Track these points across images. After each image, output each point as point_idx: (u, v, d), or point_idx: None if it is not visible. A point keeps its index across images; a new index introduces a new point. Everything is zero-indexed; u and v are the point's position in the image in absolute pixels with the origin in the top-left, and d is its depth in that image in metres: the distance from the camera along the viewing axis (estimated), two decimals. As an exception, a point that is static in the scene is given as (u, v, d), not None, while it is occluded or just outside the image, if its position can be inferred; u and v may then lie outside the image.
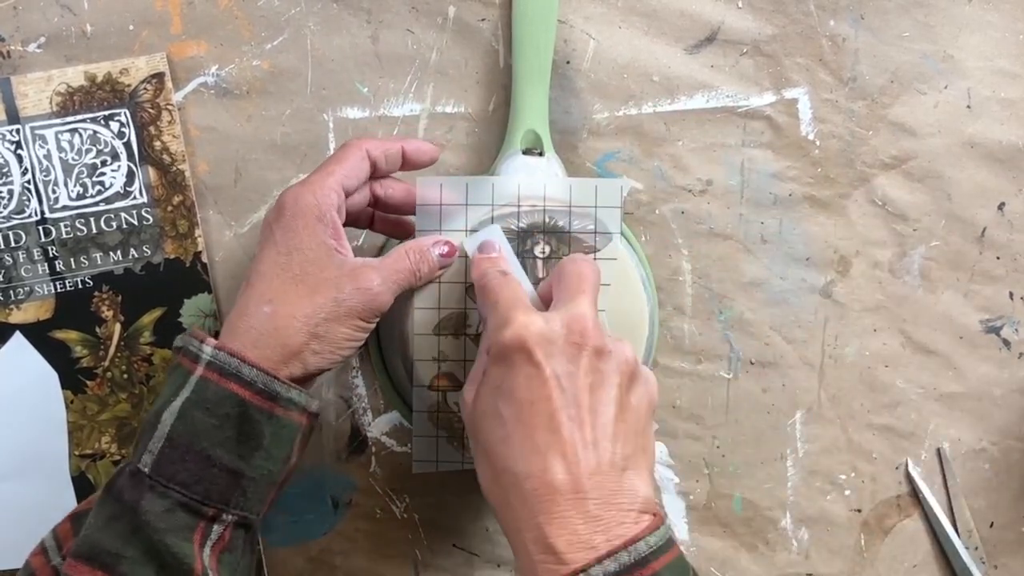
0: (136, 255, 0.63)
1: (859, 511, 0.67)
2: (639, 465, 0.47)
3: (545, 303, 0.53)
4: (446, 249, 0.56)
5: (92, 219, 0.62)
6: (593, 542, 0.44)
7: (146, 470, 0.48)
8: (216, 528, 0.48)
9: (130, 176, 0.62)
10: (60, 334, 0.63)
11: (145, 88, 0.62)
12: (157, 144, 0.62)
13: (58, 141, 0.62)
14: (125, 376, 0.63)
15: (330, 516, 0.66)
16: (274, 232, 0.52)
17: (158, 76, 0.62)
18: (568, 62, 0.64)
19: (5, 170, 0.61)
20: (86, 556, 0.47)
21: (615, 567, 0.43)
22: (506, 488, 0.46)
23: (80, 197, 0.62)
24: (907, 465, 0.68)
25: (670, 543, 0.46)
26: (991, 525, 0.68)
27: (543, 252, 0.57)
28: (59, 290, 0.62)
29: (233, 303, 0.63)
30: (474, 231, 0.57)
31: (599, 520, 0.44)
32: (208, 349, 0.49)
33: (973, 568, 0.67)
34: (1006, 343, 0.68)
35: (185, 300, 0.63)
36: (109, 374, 0.63)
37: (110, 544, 0.47)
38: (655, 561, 0.44)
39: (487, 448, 0.47)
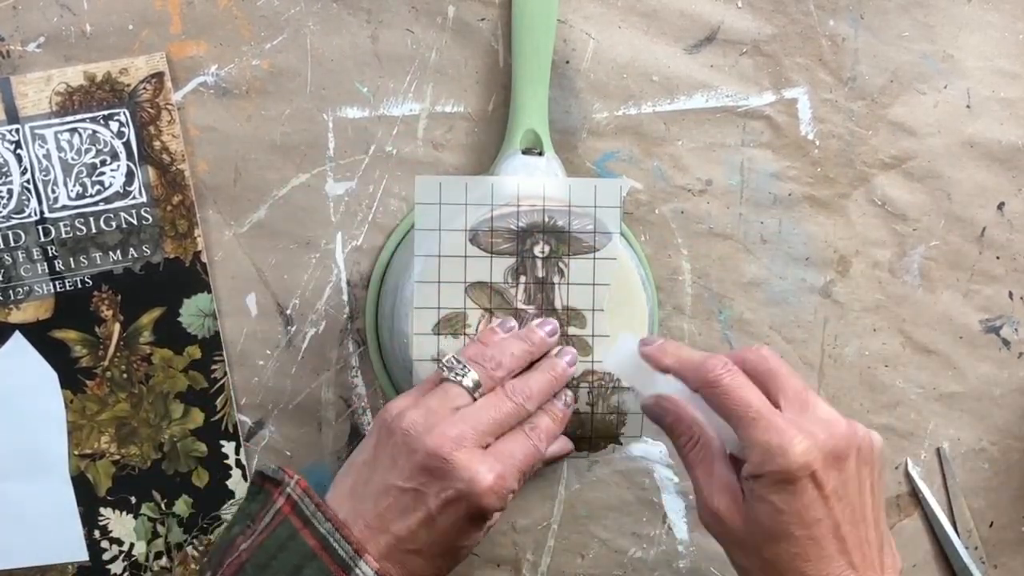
0: (136, 255, 0.63)
1: (859, 511, 0.67)
2: (889, 536, 0.52)
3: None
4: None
5: (92, 219, 0.62)
6: None
7: None
8: None
9: (130, 176, 0.62)
10: (60, 334, 0.63)
11: (145, 88, 0.62)
12: (157, 144, 0.62)
13: (57, 141, 0.62)
14: (125, 376, 0.63)
15: (330, 516, 0.65)
16: (454, 514, 0.51)
17: (158, 76, 0.62)
18: (568, 62, 0.64)
19: (4, 170, 0.61)
20: None
21: None
22: None
23: (80, 197, 0.62)
24: (907, 465, 0.68)
25: None
26: (991, 525, 0.68)
27: (543, 252, 0.57)
28: (59, 290, 0.62)
29: (233, 304, 0.63)
30: (474, 231, 0.57)
31: None
32: (370, 572, 0.49)
33: (973, 568, 0.67)
34: (1006, 343, 0.68)
35: (185, 300, 0.63)
36: (109, 374, 0.63)
37: None
38: None
39: (774, 564, 0.49)
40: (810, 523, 0.48)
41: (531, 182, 0.58)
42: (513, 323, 0.57)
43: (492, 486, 0.50)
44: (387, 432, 0.52)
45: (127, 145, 0.62)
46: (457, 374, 0.53)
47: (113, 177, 0.62)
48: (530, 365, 0.56)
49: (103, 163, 0.62)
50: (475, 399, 0.53)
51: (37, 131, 0.61)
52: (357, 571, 0.49)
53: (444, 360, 0.54)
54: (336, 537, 0.50)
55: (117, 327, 0.63)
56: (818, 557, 0.48)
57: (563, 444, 0.58)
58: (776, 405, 0.50)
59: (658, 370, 0.55)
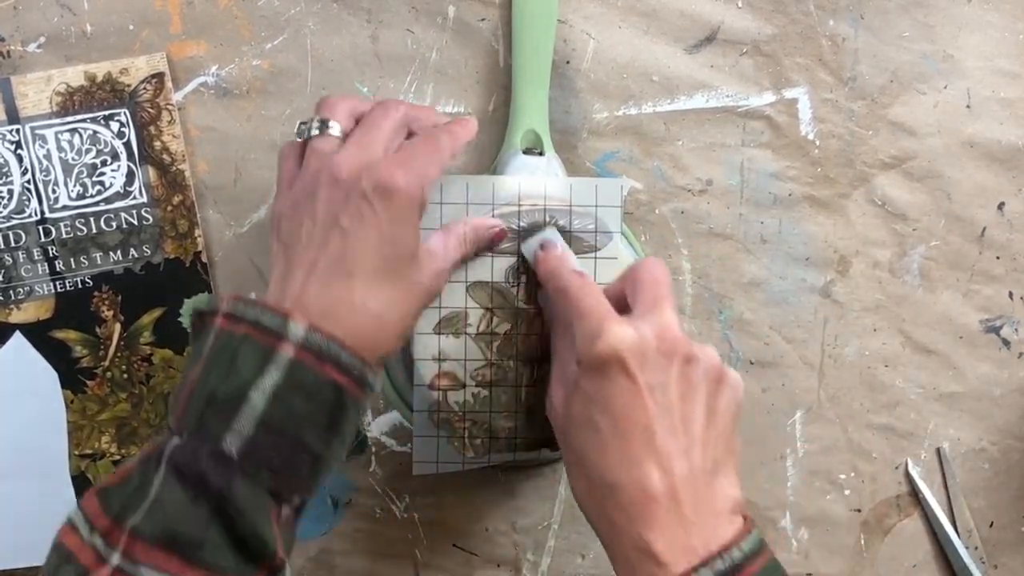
0: (136, 255, 0.63)
1: (859, 511, 0.67)
2: (728, 468, 0.48)
3: (613, 297, 0.52)
4: (498, 230, 0.56)
5: (92, 219, 0.62)
6: (691, 545, 0.45)
7: (234, 453, 0.45)
8: (286, 509, 0.47)
9: (130, 176, 0.62)
10: (60, 334, 0.63)
11: (145, 88, 0.62)
12: (157, 144, 0.62)
13: (58, 141, 0.62)
14: (125, 376, 0.63)
15: (329, 516, 0.65)
16: (379, 215, 0.48)
17: (158, 76, 0.62)
18: (568, 62, 0.64)
19: (5, 170, 0.61)
20: (162, 541, 0.44)
21: (711, 573, 0.44)
22: (602, 497, 0.47)
23: (80, 197, 0.62)
24: (907, 465, 0.68)
25: (762, 546, 0.46)
26: (991, 525, 0.68)
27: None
28: (59, 290, 0.62)
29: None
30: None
31: (695, 524, 0.46)
32: (300, 329, 0.46)
33: (973, 568, 0.67)
34: (1006, 343, 0.68)
35: (185, 300, 0.63)
36: (109, 374, 0.63)
37: (189, 529, 0.44)
38: (750, 566, 0.45)
39: (582, 458, 0.48)
40: (616, 413, 0.46)
41: (532, 182, 0.58)
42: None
43: (391, 166, 0.49)
44: (281, 217, 0.51)
45: (127, 145, 0.62)
46: (310, 129, 0.51)
47: (113, 177, 0.62)
48: None
49: (103, 163, 0.62)
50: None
51: (37, 131, 0.61)
52: (288, 334, 0.46)
53: (296, 129, 0.52)
54: (264, 313, 0.47)
55: (117, 327, 0.63)
56: (622, 453, 0.46)
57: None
58: (632, 307, 0.50)
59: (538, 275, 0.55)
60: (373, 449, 0.65)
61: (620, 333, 0.47)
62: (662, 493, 0.46)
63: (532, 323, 0.57)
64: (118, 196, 0.62)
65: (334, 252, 0.49)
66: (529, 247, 0.56)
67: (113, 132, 0.62)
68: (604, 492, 0.47)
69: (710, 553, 0.45)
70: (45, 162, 0.62)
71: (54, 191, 0.62)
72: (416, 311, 0.52)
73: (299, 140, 0.53)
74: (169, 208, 0.63)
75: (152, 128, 0.62)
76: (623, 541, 0.46)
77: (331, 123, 0.52)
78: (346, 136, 0.52)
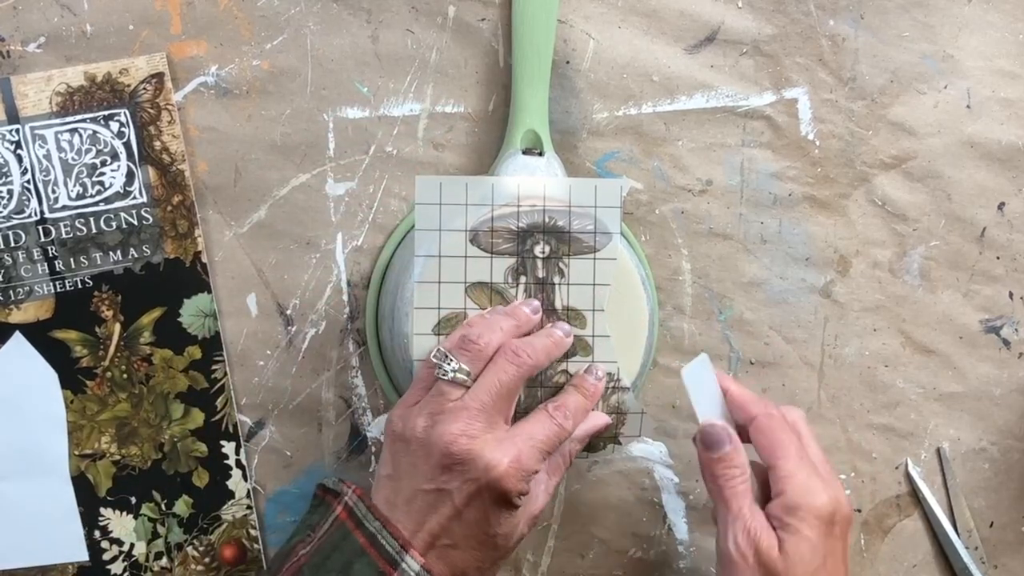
0: (136, 255, 0.63)
1: (859, 511, 0.67)
2: None
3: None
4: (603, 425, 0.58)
5: (92, 219, 0.62)
6: None
7: None
8: None
9: (130, 176, 0.62)
10: (60, 334, 0.63)
11: (145, 88, 0.62)
12: (157, 144, 0.62)
13: (58, 141, 0.62)
14: (125, 376, 0.63)
15: (330, 516, 0.65)
16: (486, 506, 0.52)
17: (158, 76, 0.62)
18: (568, 62, 0.64)
19: (5, 170, 0.61)
20: None
21: None
22: None
23: (80, 197, 0.62)
24: (907, 465, 0.68)
25: None
26: (991, 525, 0.68)
27: (543, 252, 0.57)
28: (59, 290, 0.62)
29: (233, 304, 0.63)
30: (474, 231, 0.57)
31: None
32: (415, 566, 0.51)
33: (973, 568, 0.67)
34: (1006, 343, 0.68)
35: (185, 300, 0.63)
36: (109, 374, 0.63)
37: None
38: None
39: None
40: (829, 568, 0.52)
41: (531, 182, 0.58)
42: (536, 304, 0.57)
43: (507, 470, 0.51)
44: (402, 442, 0.53)
45: (127, 145, 0.62)
46: (446, 371, 0.54)
47: (113, 177, 0.62)
48: None
49: (103, 163, 0.62)
50: (468, 387, 0.53)
51: (37, 131, 0.61)
52: (403, 565, 0.50)
53: (432, 355, 0.54)
54: (383, 534, 0.51)
55: (117, 327, 0.63)
56: None
57: (597, 419, 0.58)
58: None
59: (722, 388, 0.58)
60: (373, 449, 0.65)
61: (833, 498, 0.54)
62: None
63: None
64: (118, 196, 0.62)
65: (443, 520, 0.52)
66: (694, 376, 0.58)
67: (113, 132, 0.62)
68: None
69: None
70: (45, 162, 0.62)
71: (54, 191, 0.62)
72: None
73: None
74: (169, 208, 0.63)
75: (152, 128, 0.62)
76: None
77: (461, 368, 0.54)
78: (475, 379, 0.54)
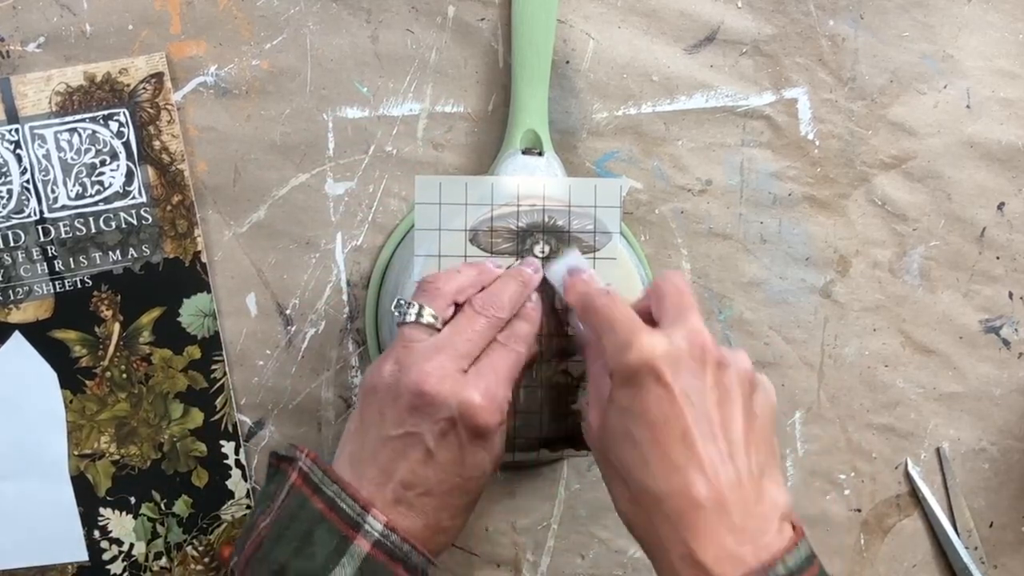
0: (135, 255, 0.63)
1: (859, 511, 0.67)
2: (774, 472, 0.47)
3: (639, 311, 0.52)
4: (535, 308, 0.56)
5: (91, 219, 0.62)
6: (740, 554, 0.44)
7: None
8: None
9: (129, 176, 0.62)
10: (59, 334, 0.63)
11: (144, 88, 0.62)
12: (156, 144, 0.62)
13: (57, 141, 0.62)
14: (124, 376, 0.63)
15: (329, 516, 0.65)
16: (463, 445, 0.51)
17: (157, 76, 0.62)
18: (568, 62, 0.64)
19: (4, 170, 0.61)
20: None
21: None
22: (647, 508, 0.46)
23: (79, 197, 0.62)
24: (907, 465, 0.68)
25: (811, 558, 0.46)
26: (991, 525, 0.68)
27: (543, 252, 0.57)
28: (58, 290, 0.62)
29: (233, 304, 0.63)
30: (474, 231, 0.57)
31: (744, 531, 0.44)
32: (378, 526, 0.49)
33: (973, 568, 0.67)
34: (1006, 343, 0.68)
35: (184, 300, 0.63)
36: (108, 374, 0.63)
37: None
38: None
39: (622, 470, 0.48)
40: (653, 422, 0.46)
41: (531, 182, 0.58)
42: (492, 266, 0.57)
43: (482, 403, 0.50)
44: (369, 390, 0.52)
45: (127, 145, 0.62)
46: (408, 314, 0.53)
47: (113, 177, 0.62)
48: None
49: (103, 163, 0.62)
50: (436, 330, 0.53)
51: (37, 131, 0.61)
52: (366, 527, 0.49)
53: (392, 306, 0.54)
54: (342, 497, 0.50)
55: (117, 327, 0.63)
56: (663, 462, 0.46)
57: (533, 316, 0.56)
58: (659, 319, 0.50)
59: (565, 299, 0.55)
60: (373, 449, 0.65)
61: (651, 341, 0.47)
62: (708, 499, 0.45)
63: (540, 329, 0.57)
64: (117, 196, 0.62)
65: (414, 466, 0.50)
66: (555, 274, 0.56)
67: (112, 132, 0.62)
68: (648, 504, 0.46)
69: (761, 563, 0.44)
70: (44, 162, 0.62)
71: (53, 191, 0.62)
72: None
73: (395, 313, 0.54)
74: (168, 208, 0.63)
75: (151, 128, 0.62)
76: (670, 552, 0.45)
77: (425, 310, 0.53)
78: (443, 323, 0.53)
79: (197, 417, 0.64)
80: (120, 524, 0.64)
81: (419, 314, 0.53)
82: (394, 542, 0.49)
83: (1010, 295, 0.68)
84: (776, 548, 0.44)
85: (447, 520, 0.51)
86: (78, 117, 0.62)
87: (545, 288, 0.57)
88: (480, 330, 0.53)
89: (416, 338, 0.52)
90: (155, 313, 0.63)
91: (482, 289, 0.55)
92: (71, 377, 0.63)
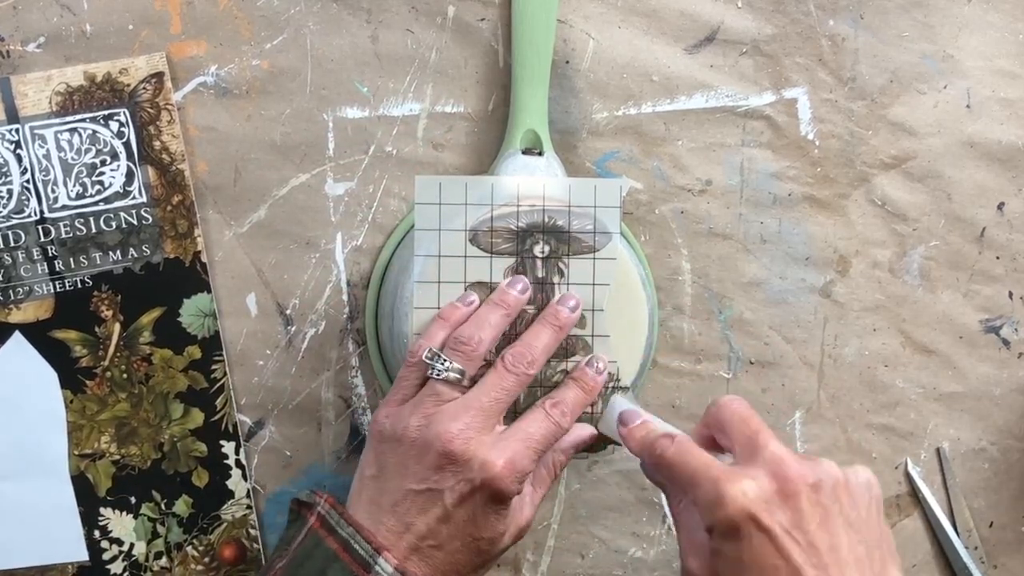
0: (135, 255, 0.63)
1: (859, 511, 0.67)
2: (888, 566, 0.47)
3: (701, 442, 0.52)
4: (588, 436, 0.56)
5: (91, 219, 0.62)
6: None
7: None
8: None
9: (129, 176, 0.62)
10: (59, 334, 0.63)
11: (144, 88, 0.62)
12: (156, 144, 0.62)
13: (57, 141, 0.62)
14: (124, 376, 0.63)
15: (330, 516, 0.65)
16: (477, 507, 0.51)
17: (157, 76, 0.62)
18: (568, 62, 0.64)
19: (4, 170, 0.61)
20: None
21: None
22: None
23: (79, 197, 0.62)
24: (907, 465, 0.68)
25: None
26: (991, 525, 0.68)
27: (543, 252, 0.57)
28: (58, 290, 0.62)
29: (233, 304, 0.63)
30: (474, 231, 0.57)
31: None
32: (388, 568, 0.50)
33: (973, 568, 0.67)
34: (1006, 343, 0.68)
35: (184, 300, 0.63)
36: (108, 374, 0.63)
37: None
38: None
39: None
40: (763, 569, 0.45)
41: (531, 182, 0.58)
42: (474, 297, 0.57)
43: (502, 471, 0.51)
44: (392, 442, 0.53)
45: (127, 145, 0.62)
46: (439, 371, 0.53)
47: (113, 177, 0.62)
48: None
49: (103, 163, 0.62)
50: (465, 387, 0.54)
51: (37, 131, 0.61)
52: (377, 568, 0.50)
53: (424, 355, 0.54)
54: (356, 539, 0.51)
55: (117, 327, 0.63)
56: None
57: (582, 431, 0.57)
58: (736, 453, 0.49)
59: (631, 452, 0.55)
60: (373, 449, 0.65)
61: (741, 490, 0.46)
62: None
63: (531, 322, 0.57)
64: (117, 196, 0.62)
65: (431, 521, 0.52)
66: (609, 425, 0.56)
67: (113, 132, 0.62)
68: None
69: None
70: (44, 162, 0.62)
71: (53, 191, 0.62)
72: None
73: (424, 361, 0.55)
74: (169, 208, 0.63)
75: (152, 128, 0.62)
76: None
77: (454, 367, 0.53)
78: (471, 381, 0.54)
79: (197, 417, 0.64)
80: (120, 524, 0.64)
81: (449, 370, 0.53)
82: None
83: (1010, 295, 0.68)
84: None
85: (459, 569, 0.52)
86: (78, 117, 0.62)
87: (544, 289, 0.57)
88: (508, 388, 0.54)
89: (444, 395, 0.53)
90: (155, 313, 0.63)
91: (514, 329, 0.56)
92: (71, 377, 0.63)
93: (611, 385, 0.58)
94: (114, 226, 0.62)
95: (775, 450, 0.47)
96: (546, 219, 0.57)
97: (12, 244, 0.62)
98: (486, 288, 0.57)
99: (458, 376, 0.53)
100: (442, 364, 0.53)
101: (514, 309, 0.56)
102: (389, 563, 0.50)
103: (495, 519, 0.52)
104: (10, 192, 0.62)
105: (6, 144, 0.61)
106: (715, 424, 0.51)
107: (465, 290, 0.57)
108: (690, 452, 0.49)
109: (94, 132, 0.62)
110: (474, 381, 0.54)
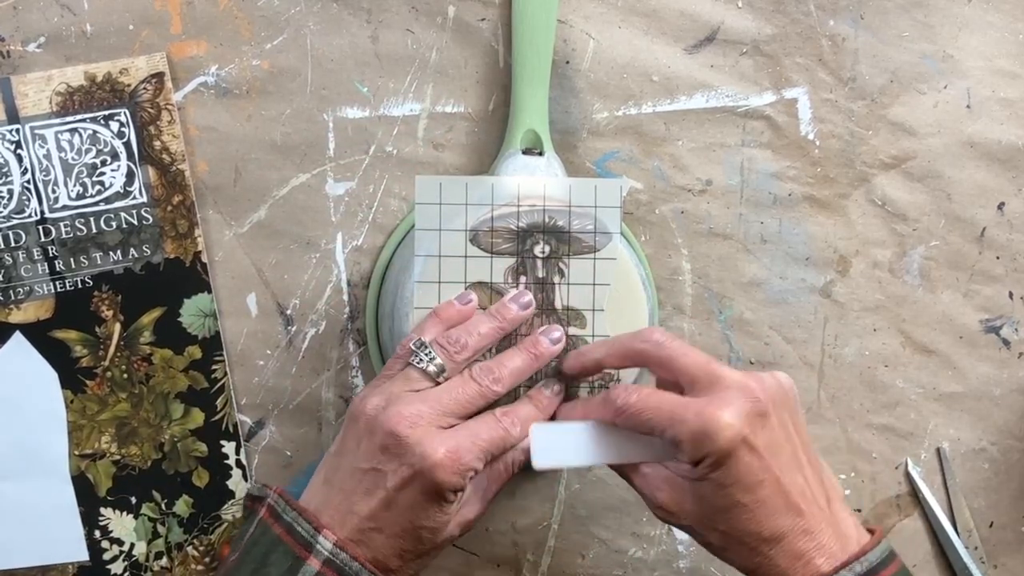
0: (136, 255, 0.63)
1: (859, 511, 0.67)
2: (835, 490, 0.53)
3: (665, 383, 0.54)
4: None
5: (92, 219, 0.62)
6: (835, 553, 0.50)
7: None
8: None
9: (130, 176, 0.62)
10: (60, 334, 0.63)
11: (145, 88, 0.62)
12: (157, 144, 0.62)
13: (58, 141, 0.62)
14: (125, 376, 0.63)
15: (330, 516, 0.65)
16: (419, 493, 0.51)
17: (158, 76, 0.62)
18: (568, 62, 0.64)
19: (5, 170, 0.61)
20: None
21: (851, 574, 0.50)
22: (763, 549, 0.50)
23: (80, 197, 0.62)
24: (907, 465, 0.68)
25: (892, 555, 0.52)
26: (991, 525, 0.68)
27: (543, 252, 0.57)
28: (59, 290, 0.62)
29: (233, 304, 0.63)
30: (474, 231, 0.57)
31: (841, 536, 0.51)
32: (327, 544, 0.51)
33: (973, 568, 0.67)
34: (1006, 343, 0.68)
35: (185, 300, 0.63)
36: (109, 374, 0.63)
37: None
38: (884, 570, 0.51)
39: (733, 532, 0.51)
40: (753, 486, 0.49)
41: (531, 182, 0.58)
42: (472, 296, 0.57)
43: (442, 460, 0.51)
44: (352, 419, 0.54)
45: (127, 145, 0.62)
46: (421, 359, 0.54)
47: (113, 177, 0.62)
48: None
49: (103, 163, 0.62)
50: (438, 383, 0.54)
51: (37, 131, 0.61)
52: (317, 546, 0.51)
53: (411, 343, 0.55)
54: (299, 521, 0.52)
55: (117, 327, 0.63)
56: (768, 515, 0.50)
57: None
58: (684, 388, 0.52)
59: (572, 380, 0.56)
60: (373, 449, 0.65)
61: (732, 421, 0.49)
62: (811, 523, 0.50)
63: (531, 324, 0.57)
64: (118, 196, 0.62)
65: (372, 502, 0.52)
66: (539, 449, 0.54)
67: (113, 132, 0.62)
68: (763, 547, 0.50)
69: (849, 557, 0.50)
70: (45, 162, 0.62)
71: (54, 191, 0.62)
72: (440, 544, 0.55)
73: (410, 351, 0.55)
74: (169, 208, 0.63)
75: (152, 128, 0.62)
76: (788, 571, 0.50)
77: (435, 361, 0.54)
78: (443, 371, 0.54)
79: (198, 417, 0.64)
80: (121, 524, 0.64)
81: (430, 362, 0.54)
82: (343, 560, 0.51)
83: (1010, 295, 0.68)
84: (862, 543, 0.51)
85: (395, 561, 0.53)
86: (79, 117, 0.62)
87: (544, 289, 0.57)
88: (470, 395, 0.54)
89: (414, 383, 0.54)
90: (156, 313, 0.63)
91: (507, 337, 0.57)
92: (72, 377, 0.63)
93: (611, 385, 0.58)
94: (114, 226, 0.62)
95: (734, 376, 0.51)
96: (546, 219, 0.57)
97: (12, 244, 0.62)
98: (487, 288, 0.57)
99: (436, 370, 0.54)
100: (425, 355, 0.54)
101: (511, 324, 0.57)
102: (328, 540, 0.51)
103: (436, 510, 0.52)
104: (10, 192, 0.62)
105: (6, 144, 0.61)
106: (655, 361, 0.53)
107: (465, 289, 0.57)
108: (657, 394, 0.51)
109: (94, 132, 0.62)
110: None
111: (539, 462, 0.53)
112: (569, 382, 0.58)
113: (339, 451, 0.54)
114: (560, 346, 0.57)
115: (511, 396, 0.56)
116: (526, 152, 0.61)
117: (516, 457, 0.55)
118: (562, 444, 0.54)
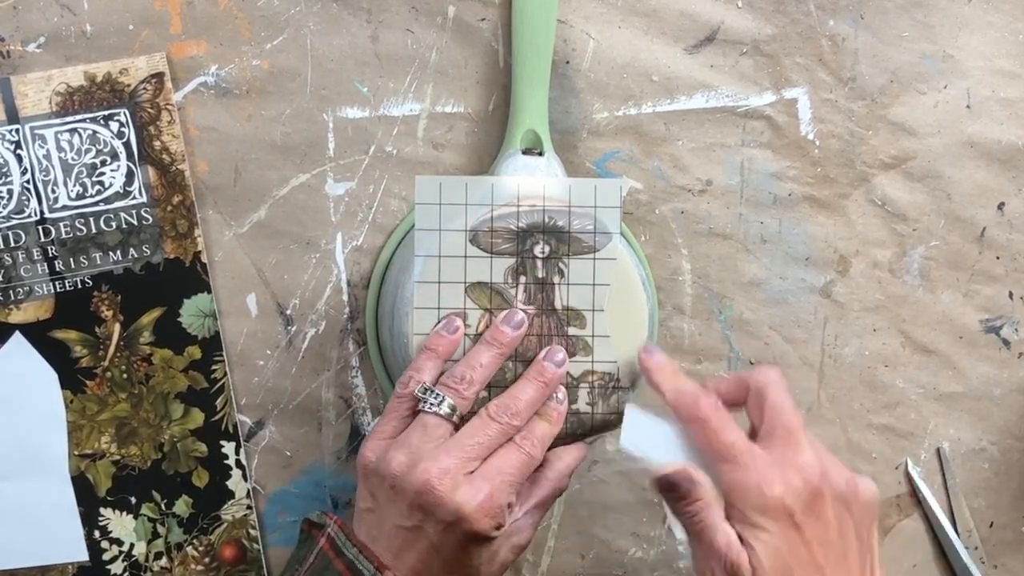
0: (136, 255, 0.63)
1: (859, 511, 0.67)
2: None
3: (725, 396, 0.54)
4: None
5: (92, 219, 0.62)
6: None
7: None
8: None
9: (130, 176, 0.62)
10: (60, 334, 0.63)
11: (145, 88, 0.62)
12: (157, 144, 0.62)
13: (58, 141, 0.62)
14: (125, 376, 0.63)
15: (330, 516, 0.65)
16: (458, 542, 0.52)
17: (158, 76, 0.62)
18: (568, 62, 0.64)
19: (5, 170, 0.61)
20: None
21: None
22: None
23: (80, 197, 0.62)
24: (907, 465, 0.68)
25: None
26: (991, 525, 0.68)
27: (543, 252, 0.57)
28: (59, 290, 0.62)
29: (233, 304, 0.63)
30: (474, 231, 0.57)
31: None
32: None
33: (973, 568, 0.67)
34: (1006, 343, 0.68)
35: (185, 300, 0.63)
36: (109, 374, 0.63)
37: None
38: None
39: None
40: (791, 558, 0.49)
41: (531, 182, 0.58)
42: (458, 323, 0.57)
43: (477, 510, 0.51)
44: (378, 478, 0.54)
45: (127, 145, 0.62)
46: (431, 404, 0.54)
47: (113, 177, 0.62)
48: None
49: (103, 163, 0.62)
50: (456, 424, 0.54)
51: (37, 131, 0.61)
52: None
53: (417, 391, 0.54)
54: (360, 559, 0.52)
55: (117, 327, 0.63)
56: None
57: (578, 451, 0.58)
58: (764, 435, 0.52)
59: (650, 385, 0.55)
60: (373, 449, 0.65)
61: (782, 488, 0.49)
62: None
63: (531, 324, 0.57)
64: (118, 196, 0.62)
65: (421, 555, 0.53)
66: (631, 438, 0.55)
67: (113, 132, 0.62)
68: None
69: None
70: (45, 162, 0.62)
71: (54, 191, 0.62)
72: None
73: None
74: (169, 208, 0.63)
75: (152, 128, 0.62)
76: None
77: (446, 402, 0.54)
78: (461, 419, 0.55)
79: (197, 417, 0.64)
80: (120, 524, 0.64)
81: (441, 403, 0.54)
82: None
83: (1010, 295, 0.68)
84: None
85: None
86: (78, 117, 0.62)
87: (544, 290, 0.57)
88: (492, 436, 0.54)
89: (433, 430, 0.53)
90: (155, 313, 0.63)
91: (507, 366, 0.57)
92: (71, 377, 0.63)
93: (611, 385, 0.58)
94: (114, 226, 0.62)
95: (809, 456, 0.51)
96: (546, 219, 0.57)
97: (12, 244, 0.62)
98: (486, 288, 0.57)
99: (449, 411, 0.54)
100: (435, 398, 0.54)
101: (508, 347, 0.57)
102: None
103: (482, 548, 0.53)
104: (10, 192, 0.62)
105: (6, 144, 0.61)
106: (754, 395, 0.53)
107: (465, 291, 0.57)
108: (732, 427, 0.52)
109: (94, 132, 0.62)
110: (464, 420, 0.55)
111: (625, 444, 0.54)
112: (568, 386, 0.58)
113: (374, 508, 0.54)
114: (565, 367, 0.57)
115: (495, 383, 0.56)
116: (526, 152, 0.61)
117: (559, 485, 0.57)
118: (651, 436, 0.54)
